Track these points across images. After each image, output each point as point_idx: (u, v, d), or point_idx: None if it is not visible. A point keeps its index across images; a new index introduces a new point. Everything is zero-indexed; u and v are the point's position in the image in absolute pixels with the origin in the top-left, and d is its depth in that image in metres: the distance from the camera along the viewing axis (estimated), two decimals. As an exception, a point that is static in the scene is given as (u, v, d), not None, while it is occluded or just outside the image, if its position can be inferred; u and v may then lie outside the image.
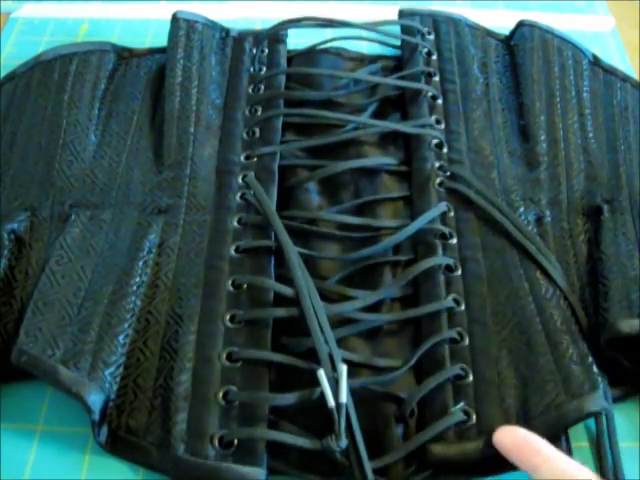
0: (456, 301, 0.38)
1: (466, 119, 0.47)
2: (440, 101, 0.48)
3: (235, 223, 0.42)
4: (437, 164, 0.44)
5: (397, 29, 0.52)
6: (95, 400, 0.34)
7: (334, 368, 0.34)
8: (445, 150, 0.45)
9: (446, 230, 0.41)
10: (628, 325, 0.36)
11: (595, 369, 0.34)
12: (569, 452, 0.34)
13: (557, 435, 0.34)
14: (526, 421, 0.34)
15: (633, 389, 0.37)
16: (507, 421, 0.34)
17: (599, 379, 0.34)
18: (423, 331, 0.38)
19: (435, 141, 0.45)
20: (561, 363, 0.35)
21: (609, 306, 0.36)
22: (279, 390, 0.36)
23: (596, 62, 0.52)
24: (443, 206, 0.42)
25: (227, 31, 0.52)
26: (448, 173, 0.44)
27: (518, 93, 0.49)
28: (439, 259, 0.40)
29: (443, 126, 0.47)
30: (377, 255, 0.41)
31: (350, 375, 0.34)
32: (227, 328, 0.37)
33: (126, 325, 0.37)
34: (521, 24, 0.52)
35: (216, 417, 0.34)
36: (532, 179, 0.44)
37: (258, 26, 0.57)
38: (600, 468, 0.34)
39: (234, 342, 0.37)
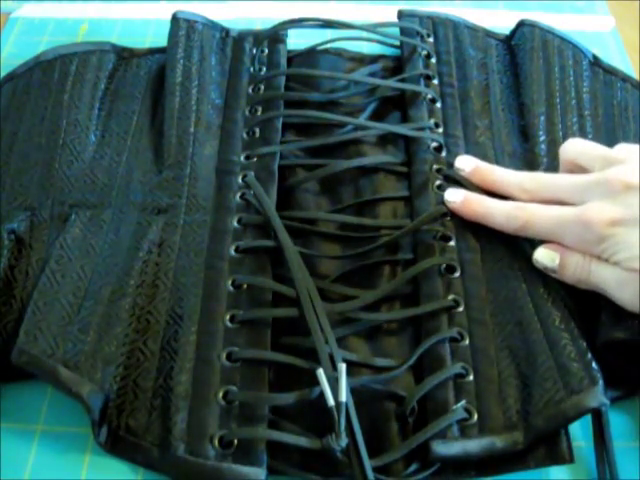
0: (456, 302, 0.38)
1: (465, 123, 0.47)
2: (439, 104, 0.48)
3: (235, 223, 0.42)
4: (435, 167, 0.44)
5: (397, 30, 0.52)
6: (95, 400, 0.34)
7: (334, 368, 0.34)
8: (444, 154, 0.45)
9: (445, 232, 0.41)
10: (622, 330, 0.35)
11: (594, 365, 0.34)
12: (569, 449, 0.34)
13: (557, 432, 0.34)
14: (526, 419, 0.34)
15: (631, 389, 0.37)
16: (508, 419, 0.34)
17: (598, 375, 0.34)
18: (423, 330, 0.38)
19: (434, 144, 0.45)
20: (560, 360, 0.35)
21: (607, 306, 0.36)
22: (279, 390, 0.36)
23: (596, 62, 0.52)
24: (442, 208, 0.42)
25: (227, 31, 0.52)
26: (446, 176, 0.44)
27: (518, 93, 0.49)
28: (438, 259, 0.40)
29: (442, 130, 0.47)
30: (377, 254, 0.41)
31: (350, 374, 0.34)
32: (227, 328, 0.37)
33: (126, 325, 0.37)
34: (521, 24, 0.52)
35: (216, 417, 0.34)
36: (532, 179, 0.44)
37: (258, 26, 0.57)
38: (598, 465, 0.34)
39: (234, 342, 0.37)
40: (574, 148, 0.40)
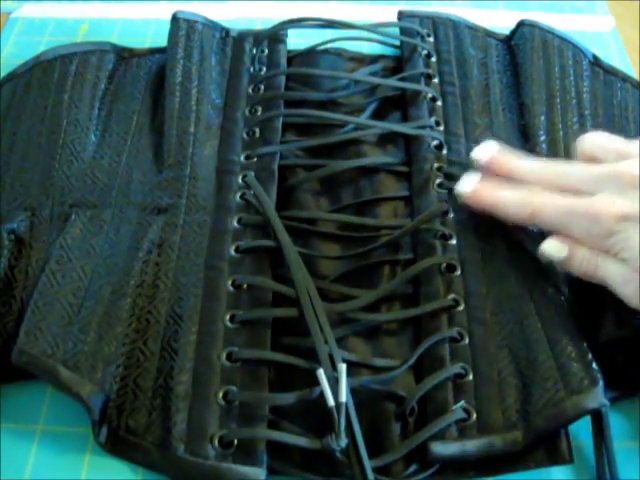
0: (456, 301, 0.38)
1: (465, 121, 0.47)
2: (440, 103, 0.48)
3: (235, 223, 0.42)
4: (436, 165, 0.44)
5: (397, 30, 0.52)
6: (95, 400, 0.34)
7: (334, 368, 0.34)
8: (445, 152, 0.45)
9: (445, 231, 0.41)
10: (626, 328, 0.35)
11: (595, 366, 0.34)
12: (569, 449, 0.34)
13: (557, 432, 0.34)
14: (526, 419, 0.34)
15: (631, 390, 0.37)
16: (507, 419, 0.34)
17: (598, 375, 0.34)
18: (423, 330, 0.38)
19: (435, 143, 0.45)
20: (560, 361, 0.35)
21: (612, 303, 0.36)
22: (279, 390, 0.36)
23: (596, 62, 0.52)
24: (443, 206, 0.42)
25: (227, 31, 0.52)
26: (447, 174, 0.44)
27: (518, 93, 0.49)
28: (438, 259, 0.40)
29: (442, 128, 0.47)
30: (377, 254, 0.41)
31: (350, 374, 0.34)
32: (227, 328, 0.37)
33: (126, 325, 0.37)
34: (522, 24, 0.52)
35: (216, 417, 0.34)
36: (532, 179, 0.44)
37: (258, 26, 0.57)
38: (598, 465, 0.34)
39: (234, 342, 0.37)
40: (591, 143, 0.39)
